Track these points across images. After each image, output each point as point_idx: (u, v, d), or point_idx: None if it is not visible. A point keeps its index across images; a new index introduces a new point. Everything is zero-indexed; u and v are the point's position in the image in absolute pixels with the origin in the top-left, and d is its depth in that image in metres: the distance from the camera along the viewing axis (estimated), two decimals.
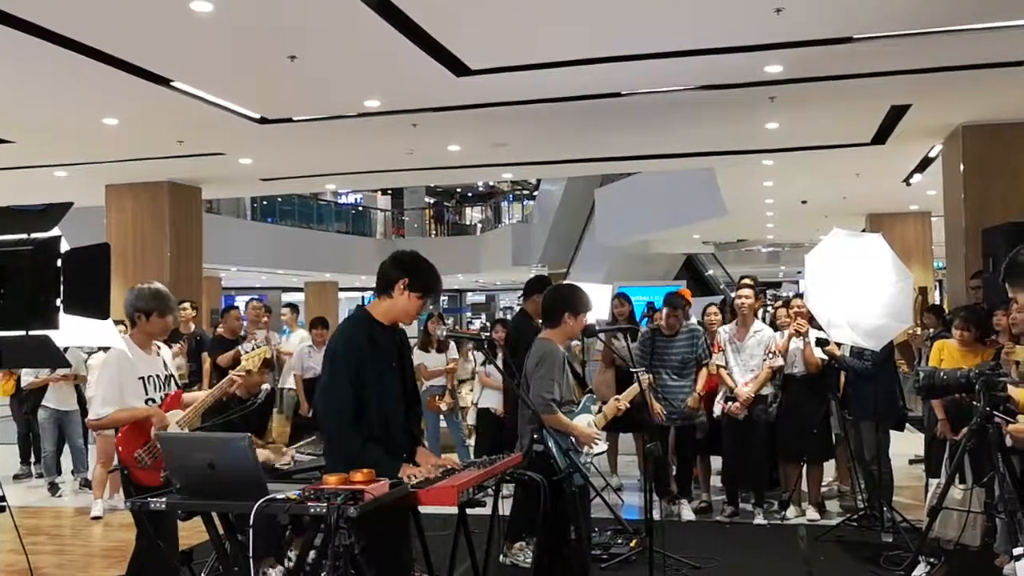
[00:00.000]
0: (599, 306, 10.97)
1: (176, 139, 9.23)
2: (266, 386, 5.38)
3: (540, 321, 5.81)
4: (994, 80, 7.41)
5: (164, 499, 3.37)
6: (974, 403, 3.40)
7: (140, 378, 4.44)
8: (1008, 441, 3.13)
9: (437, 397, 8.86)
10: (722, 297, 13.66)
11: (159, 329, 4.59)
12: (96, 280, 3.36)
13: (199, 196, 12.13)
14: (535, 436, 4.34)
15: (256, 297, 10.95)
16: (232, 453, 3.23)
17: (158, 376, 4.53)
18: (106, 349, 5.41)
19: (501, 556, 5.91)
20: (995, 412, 3.28)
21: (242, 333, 8.46)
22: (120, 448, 4.32)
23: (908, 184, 12.75)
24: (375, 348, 3.67)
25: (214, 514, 3.48)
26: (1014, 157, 8.84)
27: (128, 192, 11.53)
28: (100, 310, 3.35)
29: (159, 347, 4.68)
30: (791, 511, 7.00)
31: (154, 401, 4.46)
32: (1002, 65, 6.99)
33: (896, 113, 8.65)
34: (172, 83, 7.17)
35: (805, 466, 7.05)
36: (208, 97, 7.61)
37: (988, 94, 7.96)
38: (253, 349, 5.13)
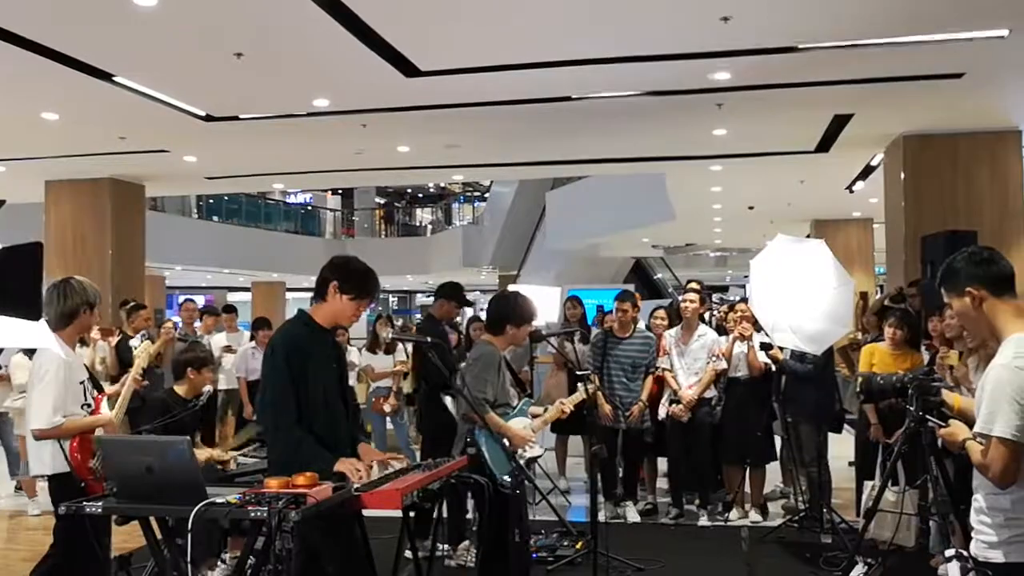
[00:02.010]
0: (549, 309, 11.04)
1: (118, 135, 9.05)
2: (208, 388, 5.30)
3: (445, 324, 6.13)
4: (933, 92, 7.60)
5: (100, 503, 3.30)
6: (907, 407, 3.47)
7: (80, 383, 4.32)
8: (940, 444, 3.22)
9: (382, 399, 8.81)
10: (669, 301, 13.80)
11: (92, 323, 4.49)
12: (28, 280, 3.26)
13: (142, 194, 11.91)
14: (468, 439, 4.36)
15: (190, 298, 10.75)
16: (172, 456, 3.17)
17: (88, 380, 4.43)
18: (30, 352, 5.30)
19: (447, 559, 5.91)
20: (928, 416, 3.36)
21: (181, 334, 8.31)
22: (76, 460, 4.16)
23: (851, 191, 13.03)
24: (315, 350, 3.67)
25: (152, 518, 3.42)
26: (952, 166, 9.08)
27: (68, 189, 11.27)
28: (32, 311, 3.26)
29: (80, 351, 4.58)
30: (734, 513, 7.08)
31: (89, 406, 4.35)
32: (941, 77, 7.18)
33: (839, 122, 8.83)
34: (114, 78, 7.03)
35: (748, 468, 7.14)
36: (152, 93, 7.48)
37: (927, 105, 8.16)
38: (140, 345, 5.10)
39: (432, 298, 7.46)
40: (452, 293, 6.76)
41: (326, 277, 3.74)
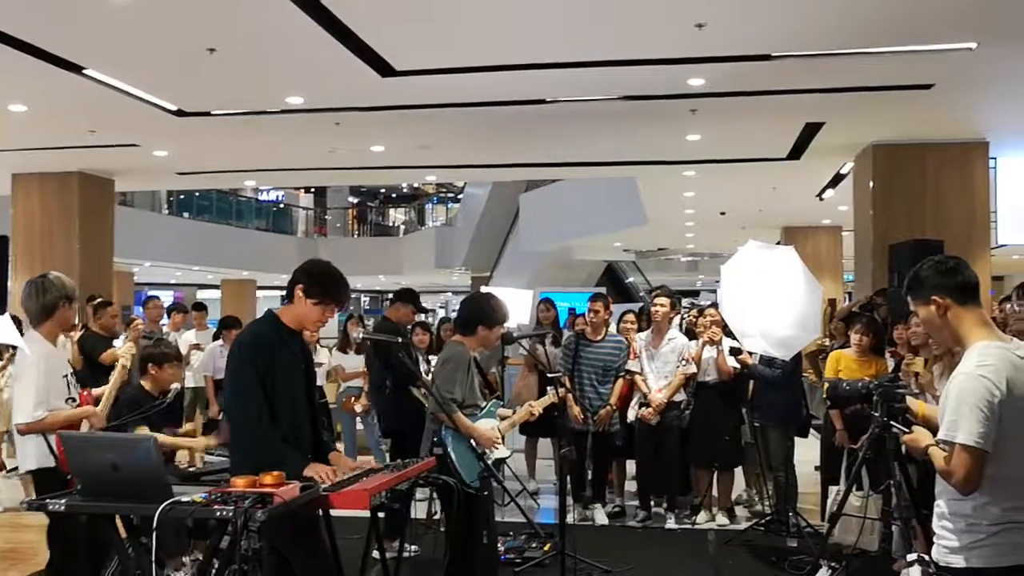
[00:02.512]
0: (521, 311, 11.05)
1: (88, 128, 8.93)
2: (176, 385, 5.25)
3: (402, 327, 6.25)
4: (902, 102, 7.69)
5: (63, 501, 3.26)
6: (872, 413, 3.52)
7: (64, 376, 4.31)
8: (904, 450, 3.27)
9: (353, 399, 8.77)
10: (640, 305, 13.87)
11: (72, 317, 4.48)
12: None
13: (111, 188, 11.76)
14: (435, 439, 4.37)
15: (155, 295, 10.63)
16: (137, 454, 3.14)
17: (71, 373, 4.40)
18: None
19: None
20: (892, 422, 3.40)
21: (146, 331, 8.22)
22: (62, 454, 4.11)
23: (821, 199, 13.16)
24: (282, 350, 3.65)
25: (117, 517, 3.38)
26: (920, 176, 9.19)
27: (36, 182, 11.10)
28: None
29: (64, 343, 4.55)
30: (702, 516, 7.13)
31: (74, 400, 4.32)
32: (910, 88, 7.27)
33: (810, 130, 8.92)
34: (84, 71, 6.94)
35: (716, 472, 7.19)
36: (122, 87, 7.39)
37: (897, 115, 8.26)
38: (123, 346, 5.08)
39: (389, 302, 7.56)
40: (411, 298, 6.85)
41: (295, 279, 3.72)
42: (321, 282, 3.71)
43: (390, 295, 38.56)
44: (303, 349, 3.85)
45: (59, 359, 4.35)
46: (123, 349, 5.12)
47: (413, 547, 5.86)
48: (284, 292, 3.83)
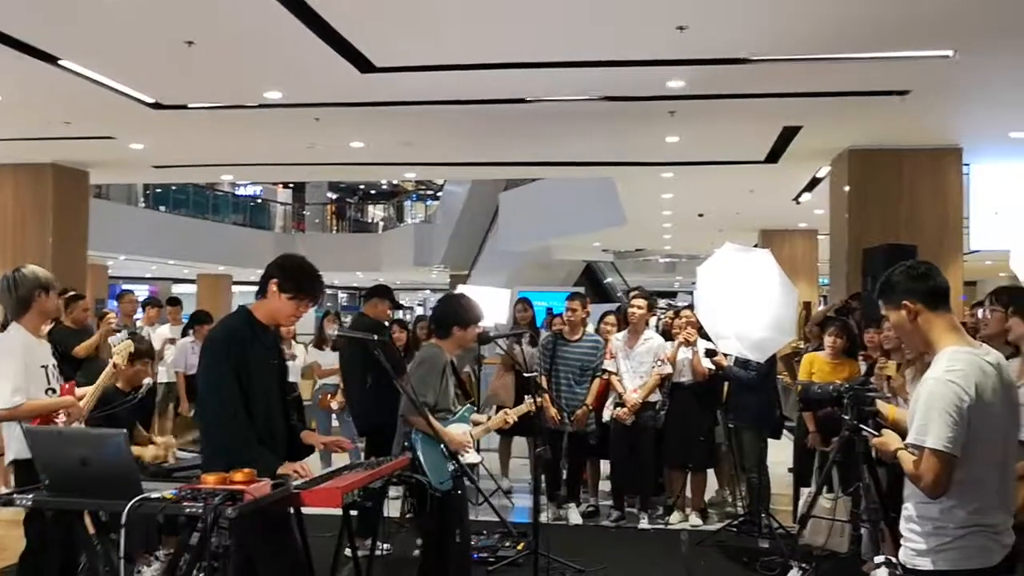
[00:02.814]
0: (499, 310, 11.06)
1: (63, 120, 8.83)
2: (148, 380, 5.21)
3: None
4: (879, 107, 7.76)
5: (31, 496, 3.22)
6: (843, 416, 3.55)
7: (43, 367, 4.29)
8: (873, 453, 3.30)
9: (329, 395, 8.74)
10: (619, 305, 13.90)
11: (54, 306, 4.49)
12: None
13: (86, 180, 11.63)
14: (405, 442, 4.36)
15: (128, 290, 10.54)
16: (107, 449, 3.11)
17: (54, 365, 4.37)
18: None
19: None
20: (862, 426, 3.43)
21: (114, 326, 8.12)
22: None
23: (797, 203, 13.25)
24: (256, 346, 3.62)
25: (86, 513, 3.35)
26: (895, 181, 9.27)
27: (8, 173, 10.95)
28: None
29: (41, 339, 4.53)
30: (675, 516, 7.16)
31: (54, 391, 4.29)
32: (886, 93, 7.33)
33: (788, 134, 8.97)
34: (60, 61, 6.86)
35: (689, 473, 7.23)
36: (99, 78, 7.31)
37: (873, 120, 8.33)
38: (121, 342, 5.02)
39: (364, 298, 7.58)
40: (386, 294, 6.89)
41: (269, 273, 3.70)
42: (296, 277, 3.69)
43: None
44: (275, 344, 3.84)
45: (39, 349, 4.33)
46: (120, 347, 5.06)
47: (386, 545, 5.85)
48: (257, 287, 3.79)
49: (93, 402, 4.58)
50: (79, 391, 4.56)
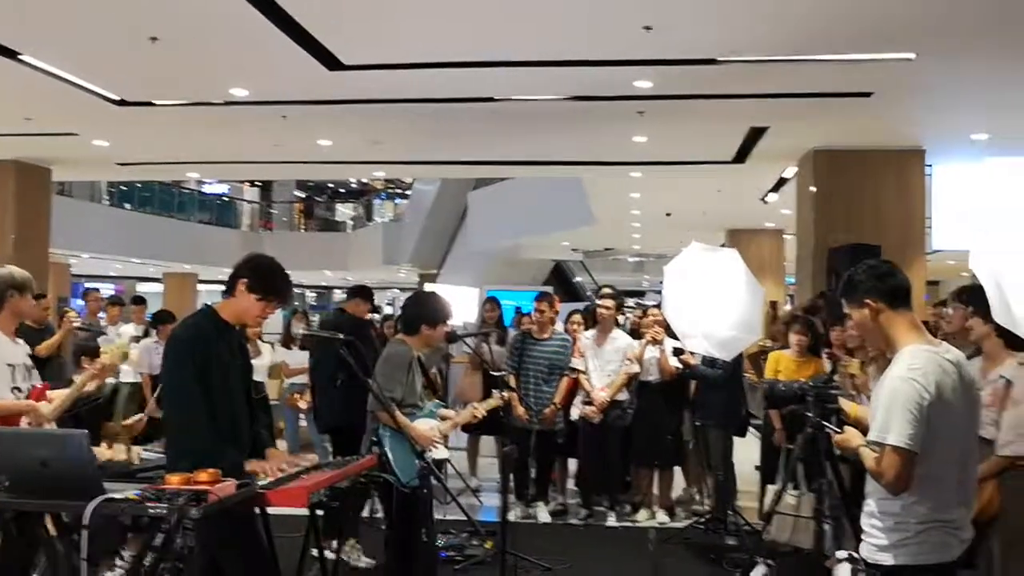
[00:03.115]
0: (468, 309, 11.05)
1: (24, 116, 8.70)
2: (111, 380, 5.15)
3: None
4: (843, 109, 7.85)
5: None
6: (806, 414, 3.59)
7: (9, 365, 4.22)
8: (836, 450, 3.34)
9: (297, 395, 8.68)
10: (587, 304, 13.94)
11: (27, 307, 4.43)
12: None
13: (48, 177, 11.47)
14: (374, 437, 4.35)
15: (94, 288, 10.41)
16: (68, 450, 3.07)
17: (25, 365, 4.32)
18: None
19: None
20: (824, 423, 3.47)
21: (84, 323, 8.02)
22: None
23: (764, 202, 13.37)
24: (220, 346, 3.59)
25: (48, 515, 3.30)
26: (859, 181, 9.39)
27: None
28: None
29: (18, 339, 4.46)
30: (642, 514, 7.20)
31: (20, 391, 4.23)
32: (850, 95, 7.42)
33: (755, 134, 9.05)
34: (20, 56, 6.75)
35: (657, 471, 7.27)
36: (61, 74, 7.20)
37: (838, 122, 8.43)
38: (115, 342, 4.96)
39: (345, 296, 7.56)
40: (367, 295, 6.92)
41: (238, 273, 3.66)
42: (265, 277, 3.66)
43: (337, 290, 38.38)
44: (240, 344, 3.80)
45: (8, 348, 4.27)
46: (114, 347, 4.99)
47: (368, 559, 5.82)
48: (225, 286, 3.73)
49: (63, 407, 4.51)
50: (51, 393, 4.50)
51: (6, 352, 4.25)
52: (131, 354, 9.01)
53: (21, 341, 4.55)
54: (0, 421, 4.11)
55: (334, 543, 5.14)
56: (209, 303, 3.78)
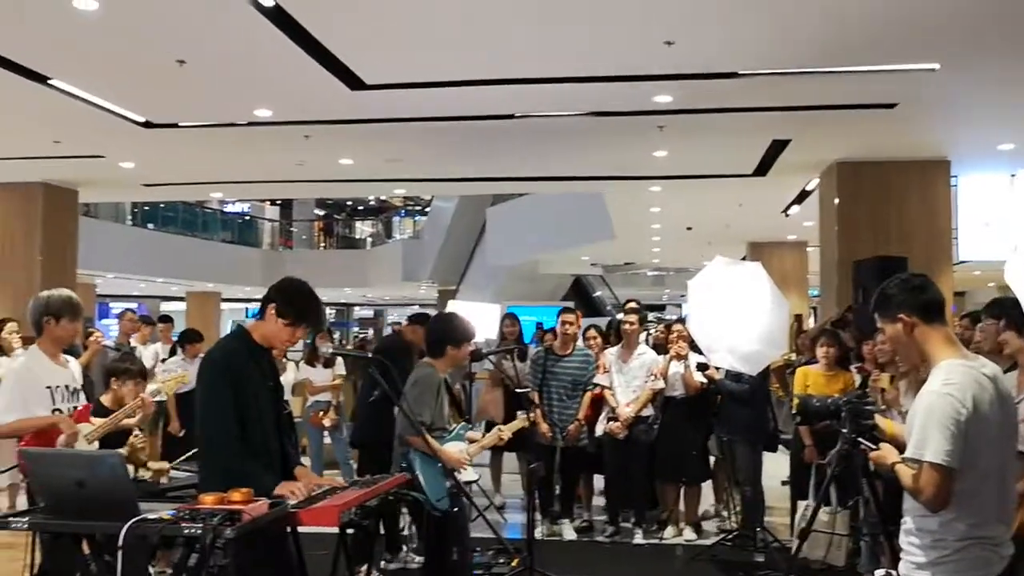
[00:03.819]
0: (488, 325, 11.06)
1: (53, 139, 8.82)
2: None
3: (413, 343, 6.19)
4: (867, 121, 7.82)
5: (27, 519, 3.19)
6: (841, 430, 3.55)
7: (48, 387, 4.31)
8: (872, 466, 3.30)
9: (321, 413, 8.69)
10: (608, 319, 13.91)
11: (68, 334, 4.51)
12: None
13: (75, 199, 11.59)
14: (404, 463, 4.35)
15: (131, 308, 10.50)
16: (104, 471, 3.08)
17: (67, 387, 4.40)
18: None
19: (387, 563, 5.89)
20: (860, 439, 3.43)
21: (111, 343, 8.11)
22: (23, 466, 4.07)
23: (787, 215, 13.31)
24: (253, 367, 3.60)
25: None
26: (883, 193, 9.34)
27: None
28: None
29: (68, 359, 4.54)
30: (669, 531, 7.15)
31: (61, 411, 4.32)
32: (874, 107, 7.40)
33: (777, 147, 9.03)
34: (50, 81, 6.85)
35: (683, 487, 7.22)
36: (89, 98, 7.30)
37: (861, 133, 8.40)
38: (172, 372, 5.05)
39: (405, 320, 7.67)
40: (426, 322, 7.00)
41: (269, 297, 3.67)
42: (295, 303, 3.66)
43: (356, 307, 38.45)
44: (271, 365, 3.81)
45: (46, 370, 4.37)
46: (170, 379, 5.08)
47: (387, 555, 5.86)
48: (257, 306, 3.78)
49: (102, 433, 4.56)
50: (95, 419, 4.56)
51: (45, 375, 4.33)
52: (156, 372, 9.08)
53: (72, 361, 4.64)
54: (37, 438, 4.16)
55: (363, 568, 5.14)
56: (241, 323, 3.80)
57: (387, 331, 32.04)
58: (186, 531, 2.95)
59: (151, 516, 3.00)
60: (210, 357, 3.68)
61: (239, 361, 3.56)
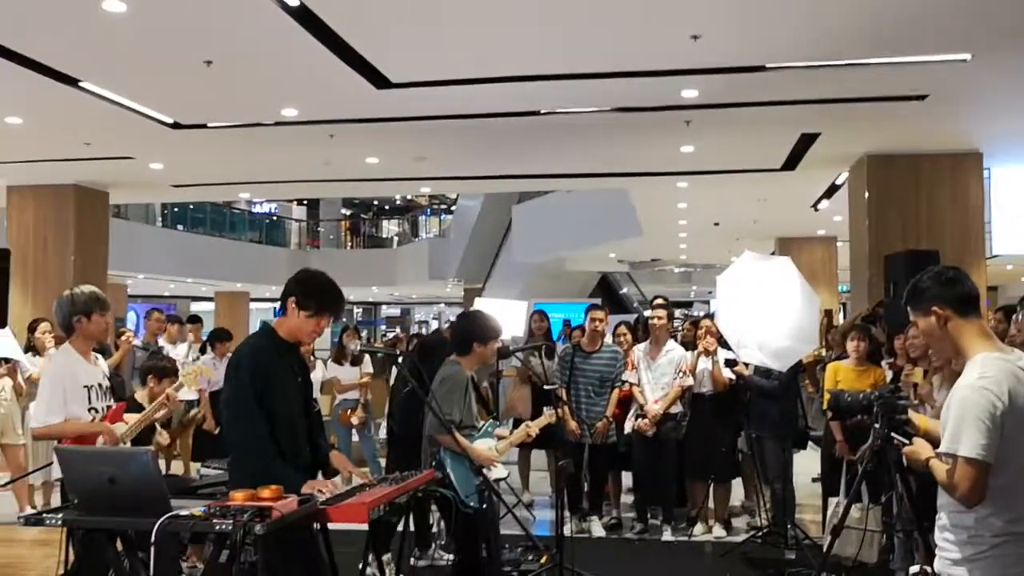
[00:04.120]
0: (515, 323, 11.07)
1: (83, 141, 8.93)
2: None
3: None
4: (897, 113, 7.73)
5: (60, 515, 3.22)
6: (873, 425, 3.50)
7: (85, 387, 4.34)
8: (905, 462, 3.25)
9: (349, 411, 8.74)
10: (636, 316, 13.85)
11: (100, 329, 4.54)
12: None
13: (106, 200, 11.74)
14: (433, 461, 4.35)
15: (158, 308, 10.60)
16: (135, 468, 3.12)
17: (100, 385, 4.44)
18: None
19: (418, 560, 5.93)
20: (893, 434, 3.39)
21: (139, 343, 8.19)
22: None
23: (816, 210, 13.19)
24: (280, 363, 3.59)
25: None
26: (914, 186, 9.23)
27: (31, 194, 11.09)
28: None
29: (97, 357, 4.59)
30: (698, 528, 7.10)
31: (97, 411, 4.36)
32: (904, 99, 7.31)
33: (806, 141, 8.95)
34: (80, 83, 6.94)
35: (712, 484, 7.17)
36: (119, 99, 7.39)
37: (891, 126, 8.30)
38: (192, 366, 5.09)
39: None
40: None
41: (287, 291, 3.66)
42: (315, 294, 3.64)
43: (383, 306, 38.62)
44: (300, 362, 3.80)
45: (83, 370, 4.40)
46: (190, 371, 5.14)
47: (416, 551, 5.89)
48: (278, 304, 3.75)
49: (135, 431, 4.62)
50: (128, 416, 4.61)
51: (82, 374, 4.36)
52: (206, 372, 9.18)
53: (101, 359, 4.68)
54: (76, 441, 4.21)
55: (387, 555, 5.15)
56: (268, 321, 3.80)
57: (413, 329, 32.23)
58: (217, 527, 2.98)
59: (183, 512, 3.03)
60: (237, 357, 3.66)
61: (266, 358, 3.56)
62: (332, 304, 3.69)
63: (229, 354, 7.93)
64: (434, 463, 4.43)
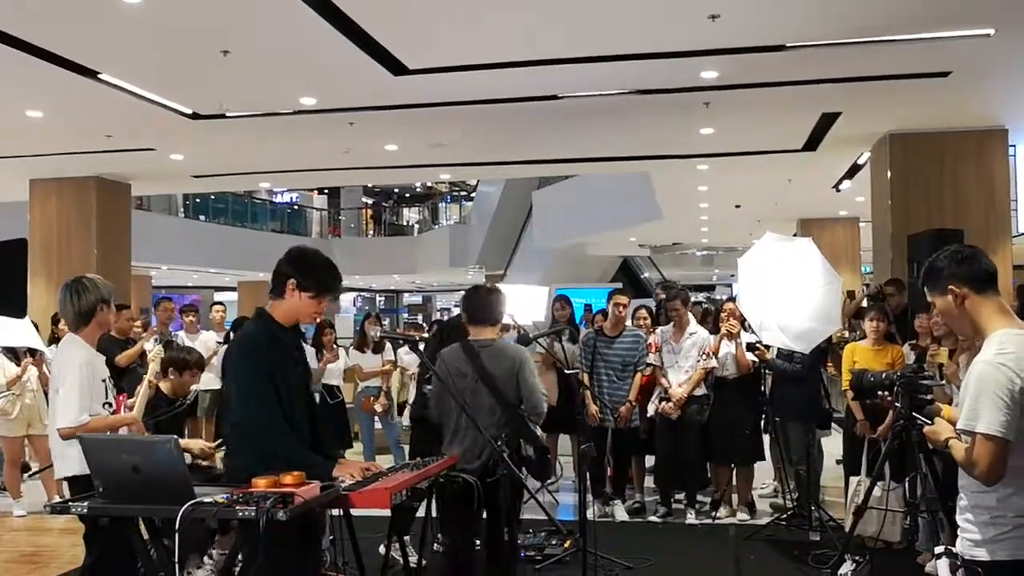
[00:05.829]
0: (537, 308, 11.06)
1: (104, 133, 9.00)
2: (196, 387, 5.29)
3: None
4: (920, 90, 7.63)
5: (86, 504, 3.26)
6: (895, 405, 3.48)
7: (103, 381, 4.29)
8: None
9: (372, 398, 8.77)
10: (656, 302, 13.79)
11: (112, 319, 4.48)
12: (13, 277, 3.23)
13: (128, 192, 11.84)
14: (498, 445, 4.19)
15: (166, 296, 10.62)
16: (158, 456, 3.14)
17: (109, 378, 4.41)
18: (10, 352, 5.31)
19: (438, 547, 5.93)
20: (916, 414, 3.36)
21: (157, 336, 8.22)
22: None
23: (838, 190, 13.07)
24: (280, 348, 3.50)
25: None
26: (938, 165, 9.11)
27: (53, 187, 11.20)
28: (17, 307, 3.24)
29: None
30: (722, 511, 7.09)
31: (110, 405, 4.33)
32: (927, 76, 7.21)
33: (827, 121, 8.86)
34: (100, 75, 6.98)
35: (736, 467, 7.16)
36: (138, 91, 7.43)
37: (914, 104, 8.19)
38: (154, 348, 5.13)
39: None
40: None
41: (283, 272, 3.54)
42: (314, 274, 3.54)
43: (405, 294, 38.72)
44: (298, 345, 3.69)
45: (99, 363, 4.33)
46: (152, 353, 5.16)
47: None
48: (271, 287, 3.60)
49: (142, 411, 4.67)
50: (129, 402, 4.64)
51: (99, 368, 4.30)
52: (213, 361, 9.23)
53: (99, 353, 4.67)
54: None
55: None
56: (262, 307, 3.65)
57: (435, 316, 32.28)
58: (240, 514, 3.00)
59: (206, 499, 3.06)
60: (237, 345, 3.62)
61: (265, 344, 3.48)
62: (333, 284, 3.61)
63: None
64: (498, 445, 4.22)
